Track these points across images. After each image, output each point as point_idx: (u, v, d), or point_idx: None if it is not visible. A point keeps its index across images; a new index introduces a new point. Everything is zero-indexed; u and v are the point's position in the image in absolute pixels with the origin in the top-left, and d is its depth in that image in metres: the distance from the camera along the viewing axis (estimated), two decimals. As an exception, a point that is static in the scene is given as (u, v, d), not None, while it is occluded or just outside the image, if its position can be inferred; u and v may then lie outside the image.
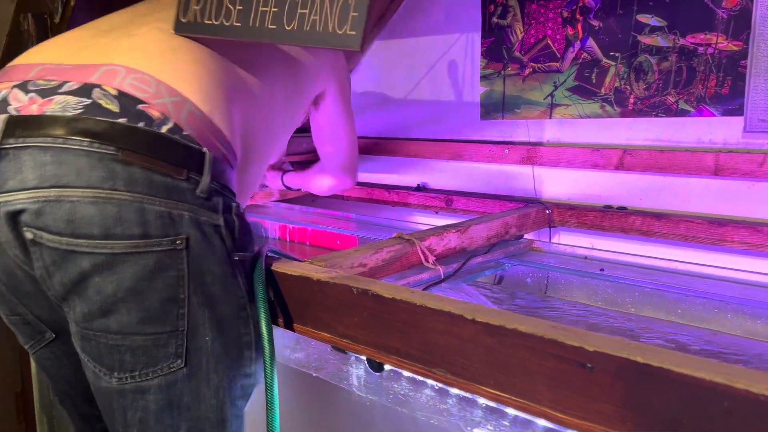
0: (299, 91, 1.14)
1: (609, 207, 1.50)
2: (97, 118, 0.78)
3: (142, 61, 0.85)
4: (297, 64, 1.12)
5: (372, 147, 2.00)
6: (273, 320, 0.93)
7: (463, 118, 1.78)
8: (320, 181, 1.42)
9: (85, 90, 0.80)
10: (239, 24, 0.83)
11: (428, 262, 1.15)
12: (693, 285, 1.25)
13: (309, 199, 2.22)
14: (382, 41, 1.92)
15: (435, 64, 1.82)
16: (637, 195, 1.48)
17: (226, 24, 0.83)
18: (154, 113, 0.80)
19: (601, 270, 1.33)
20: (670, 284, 1.26)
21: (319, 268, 0.95)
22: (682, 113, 1.39)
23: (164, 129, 0.80)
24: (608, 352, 0.59)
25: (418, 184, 1.91)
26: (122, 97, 0.80)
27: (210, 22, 0.83)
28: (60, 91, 0.81)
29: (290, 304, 0.93)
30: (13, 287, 0.87)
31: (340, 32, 0.77)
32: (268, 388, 0.86)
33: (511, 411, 0.71)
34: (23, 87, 0.82)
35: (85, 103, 0.79)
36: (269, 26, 0.81)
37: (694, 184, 1.40)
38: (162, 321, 0.80)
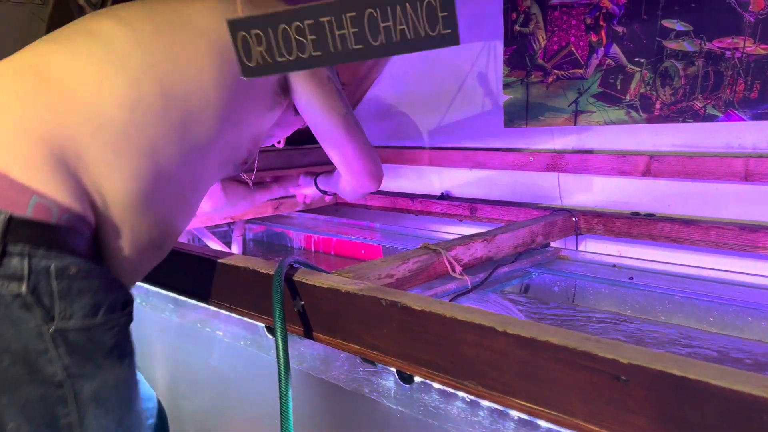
0: (234, 86, 0.94)
1: (636, 214, 1.48)
2: None
3: None
4: (213, 46, 0.92)
5: (394, 156, 2.01)
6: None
7: (486, 126, 1.78)
8: (344, 184, 1.21)
9: None
10: (319, 53, 0.82)
11: (455, 272, 1.15)
12: (725, 293, 1.23)
13: (333, 210, 2.23)
14: (404, 51, 1.92)
15: (457, 72, 1.82)
16: (665, 201, 1.46)
17: (303, 56, 0.83)
18: None
19: (631, 278, 1.32)
20: (701, 292, 1.24)
21: (347, 279, 0.95)
22: (710, 118, 1.37)
23: None
24: (643, 365, 0.59)
25: (442, 193, 1.91)
26: None
27: (283, 59, 0.83)
28: None
29: (319, 315, 0.93)
30: None
31: (434, 34, 0.77)
32: (283, 398, 0.86)
33: (543, 424, 0.71)
34: None
35: None
36: (354, 47, 0.81)
37: (723, 190, 1.38)
38: None
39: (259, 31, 0.83)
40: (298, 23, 0.84)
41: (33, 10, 1.50)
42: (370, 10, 0.79)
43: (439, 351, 0.77)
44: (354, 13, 0.80)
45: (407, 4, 0.77)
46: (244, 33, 0.83)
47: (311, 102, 1.06)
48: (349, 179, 1.15)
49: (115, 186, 0.81)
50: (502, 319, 0.71)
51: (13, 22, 1.50)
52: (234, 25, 0.81)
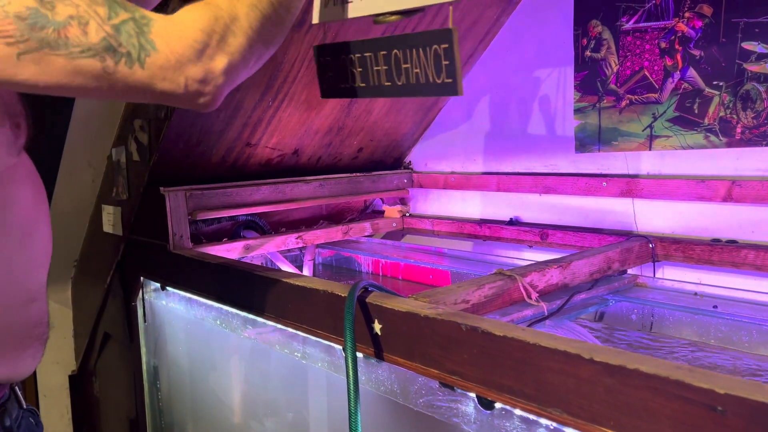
0: None
1: (717, 240, 1.44)
2: None
3: None
4: None
5: (463, 182, 2.02)
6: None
7: (556, 152, 1.77)
8: None
9: None
10: (363, 84, 0.90)
11: (531, 298, 1.14)
12: (817, 323, 1.18)
13: (400, 235, 2.25)
14: (474, 76, 1.95)
15: (525, 98, 1.83)
16: (748, 227, 1.41)
17: (354, 85, 0.91)
18: None
19: (715, 307, 1.27)
20: (791, 322, 1.18)
21: (424, 303, 0.96)
22: (796, 141, 1.33)
23: None
24: (741, 395, 0.57)
25: (511, 218, 1.91)
26: None
27: (344, 85, 0.91)
28: None
29: (397, 338, 0.95)
30: None
31: (439, 81, 0.81)
32: (352, 416, 0.87)
33: (632, 454, 0.69)
34: None
35: None
36: (385, 83, 0.88)
37: (812, 216, 1.32)
38: None
39: (329, 58, 0.91)
40: (351, 55, 0.91)
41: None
42: (396, 50, 0.85)
43: (521, 377, 0.77)
44: (385, 52, 0.87)
45: (420, 50, 0.82)
46: (320, 59, 0.92)
47: None
48: None
49: None
50: (589, 346, 0.71)
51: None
52: (316, 51, 0.92)
